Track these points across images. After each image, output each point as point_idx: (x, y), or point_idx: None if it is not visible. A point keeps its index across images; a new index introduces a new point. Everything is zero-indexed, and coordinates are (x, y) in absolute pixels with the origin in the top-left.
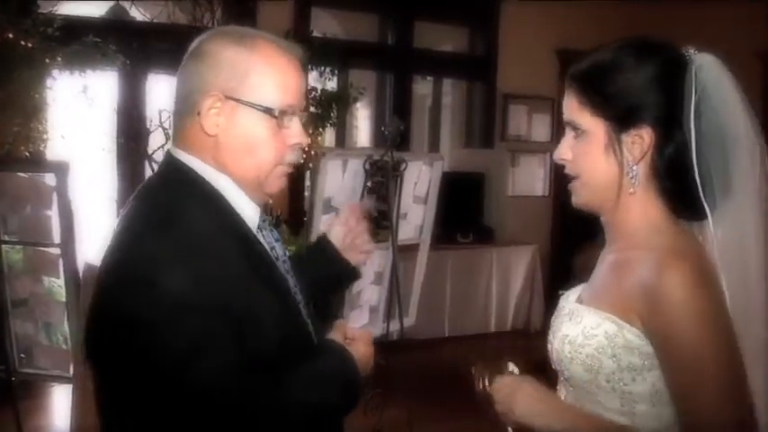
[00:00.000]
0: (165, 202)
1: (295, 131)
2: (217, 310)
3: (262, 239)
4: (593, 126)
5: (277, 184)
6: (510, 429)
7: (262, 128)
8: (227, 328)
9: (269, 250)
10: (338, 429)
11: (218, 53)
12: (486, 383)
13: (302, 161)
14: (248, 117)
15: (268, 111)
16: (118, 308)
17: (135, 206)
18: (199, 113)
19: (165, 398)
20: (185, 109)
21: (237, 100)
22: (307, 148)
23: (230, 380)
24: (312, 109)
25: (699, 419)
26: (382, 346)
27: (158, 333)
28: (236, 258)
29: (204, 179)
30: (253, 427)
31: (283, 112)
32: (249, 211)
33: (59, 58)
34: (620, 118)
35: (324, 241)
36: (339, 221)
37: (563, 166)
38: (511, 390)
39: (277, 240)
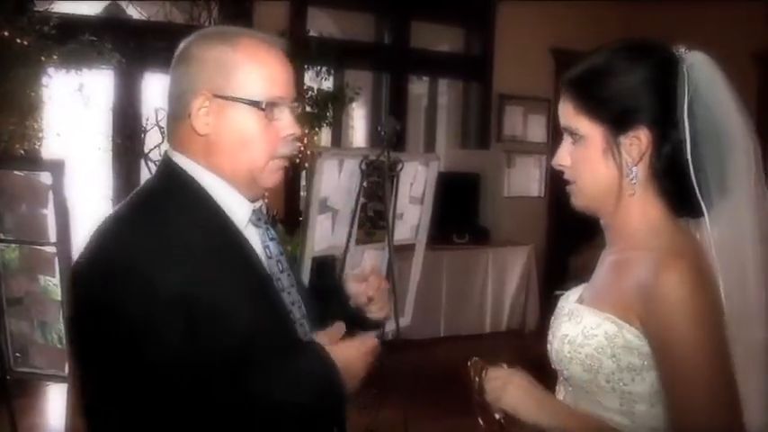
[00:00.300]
0: (144, 199)
1: (286, 123)
2: (176, 301)
3: (256, 236)
4: (591, 131)
5: (273, 178)
6: (497, 416)
7: (252, 122)
8: (184, 319)
9: (262, 248)
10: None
11: (203, 54)
12: (480, 375)
13: (298, 158)
14: (237, 113)
15: (255, 104)
16: (82, 294)
17: (120, 205)
18: (189, 115)
19: (125, 385)
20: (177, 111)
21: (224, 97)
22: (302, 147)
23: (185, 370)
24: (308, 109)
25: (689, 420)
26: (378, 346)
27: (114, 318)
28: (209, 254)
29: (192, 178)
30: (210, 421)
31: (272, 105)
32: (238, 209)
33: (55, 57)
34: (617, 121)
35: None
36: (359, 281)
37: (561, 171)
38: (502, 381)
39: (272, 239)
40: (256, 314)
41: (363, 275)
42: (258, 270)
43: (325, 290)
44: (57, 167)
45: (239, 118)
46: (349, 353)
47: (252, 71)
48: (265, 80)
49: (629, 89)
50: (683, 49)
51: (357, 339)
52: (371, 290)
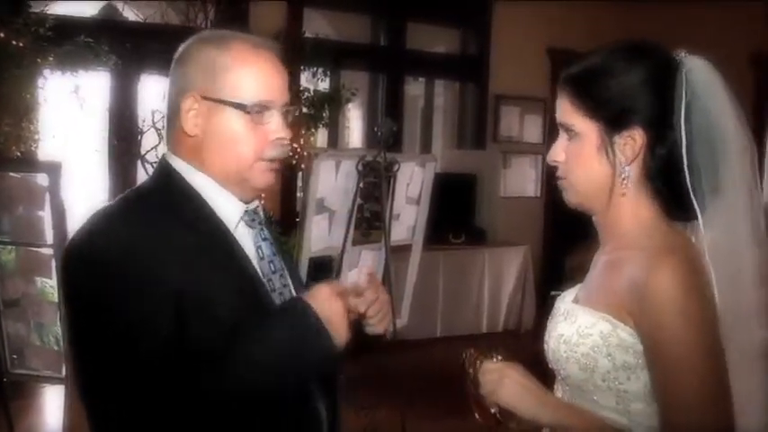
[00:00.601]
0: (135, 197)
1: (275, 127)
2: (162, 297)
3: (248, 237)
4: (586, 128)
5: (262, 180)
6: (493, 410)
7: (238, 124)
8: (171, 315)
9: (254, 249)
10: (312, 412)
11: (196, 56)
12: (475, 367)
13: (295, 159)
14: (224, 115)
15: (240, 107)
16: (69, 285)
17: (112, 202)
18: (180, 116)
19: (112, 376)
20: (171, 113)
21: (212, 99)
22: (299, 149)
23: (170, 363)
24: (304, 110)
25: (681, 419)
26: (374, 345)
27: (99, 310)
28: (196, 253)
29: (184, 179)
30: (195, 406)
31: (260, 108)
32: (230, 210)
33: (51, 58)
34: (613, 120)
35: None
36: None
37: (555, 168)
38: (498, 375)
39: (265, 240)
40: (241, 314)
41: (359, 289)
42: (246, 270)
43: None
44: (53, 169)
45: (226, 120)
46: (323, 300)
47: (241, 74)
48: (254, 84)
49: (627, 89)
50: (683, 53)
51: (323, 286)
52: (364, 305)
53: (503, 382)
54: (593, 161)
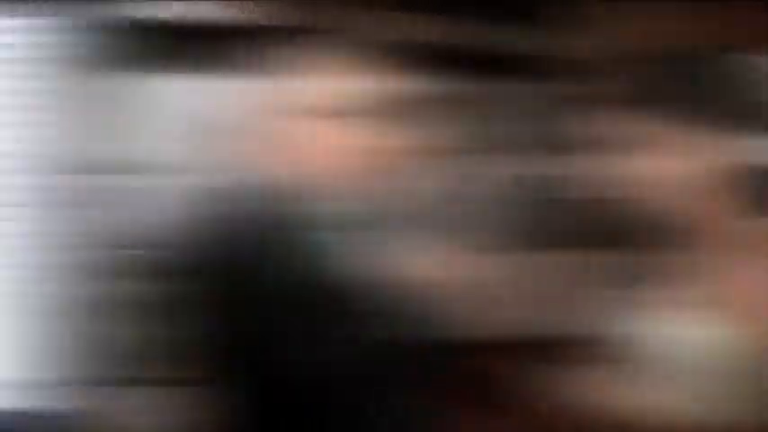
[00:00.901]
0: (222, 197)
1: (355, 132)
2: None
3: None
4: (668, 135)
5: (342, 182)
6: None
7: (315, 129)
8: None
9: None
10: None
11: (281, 60)
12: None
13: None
14: (302, 118)
15: (317, 112)
16: (178, 285)
17: None
18: (262, 118)
19: None
20: (258, 115)
21: (292, 102)
22: (387, 152)
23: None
24: (392, 112)
25: None
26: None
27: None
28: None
29: (266, 177)
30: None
31: (338, 113)
32: (313, 208)
33: (140, 60)
34: (695, 124)
35: None
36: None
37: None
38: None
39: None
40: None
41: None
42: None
43: None
44: (141, 171)
45: (303, 124)
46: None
47: (321, 80)
48: (333, 89)
49: (700, 93)
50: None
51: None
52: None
53: (582, 384)
54: (677, 166)
